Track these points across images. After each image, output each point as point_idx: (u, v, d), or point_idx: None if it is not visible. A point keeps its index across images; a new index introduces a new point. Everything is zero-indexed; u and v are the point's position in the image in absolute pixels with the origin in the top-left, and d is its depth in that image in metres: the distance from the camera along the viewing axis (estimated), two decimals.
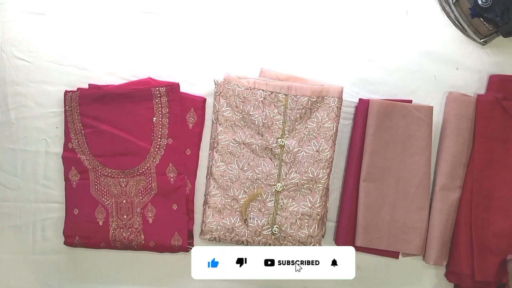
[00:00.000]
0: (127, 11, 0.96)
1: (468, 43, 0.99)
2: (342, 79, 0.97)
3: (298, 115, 0.93)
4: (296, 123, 0.93)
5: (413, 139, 0.93)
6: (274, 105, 0.93)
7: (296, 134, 0.93)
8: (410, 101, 0.95)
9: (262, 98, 0.93)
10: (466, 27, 0.98)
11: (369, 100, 0.94)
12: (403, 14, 0.99)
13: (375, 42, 0.98)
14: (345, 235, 0.93)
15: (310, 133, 0.93)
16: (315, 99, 0.92)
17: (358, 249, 0.93)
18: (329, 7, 0.98)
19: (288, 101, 0.93)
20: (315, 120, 0.93)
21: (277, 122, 0.93)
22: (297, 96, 0.93)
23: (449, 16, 0.99)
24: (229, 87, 0.93)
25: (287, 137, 0.93)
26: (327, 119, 0.92)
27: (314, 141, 0.92)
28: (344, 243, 0.93)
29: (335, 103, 0.92)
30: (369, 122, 0.93)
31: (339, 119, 0.93)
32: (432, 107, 0.94)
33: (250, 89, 0.93)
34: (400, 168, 0.93)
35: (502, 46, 0.99)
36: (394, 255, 0.95)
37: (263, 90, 0.93)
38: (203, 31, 0.97)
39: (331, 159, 0.92)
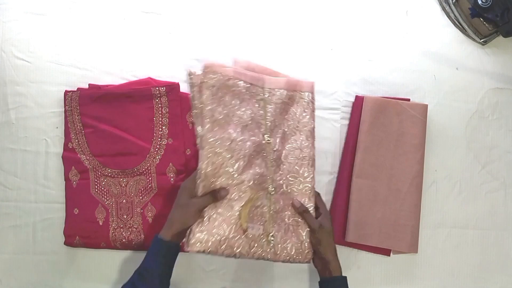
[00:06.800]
0: (127, 11, 0.96)
1: (468, 43, 0.99)
2: (342, 79, 0.97)
3: (277, 110, 0.87)
4: (276, 120, 0.87)
5: (407, 136, 0.93)
6: (255, 100, 0.87)
7: (279, 131, 0.87)
8: (408, 100, 0.95)
9: (244, 90, 0.85)
10: (466, 27, 0.98)
11: (363, 97, 0.94)
12: (403, 14, 0.99)
13: (375, 42, 0.98)
14: (336, 230, 0.92)
15: (290, 130, 0.88)
16: (291, 94, 0.88)
17: (349, 245, 0.93)
18: (329, 7, 0.98)
19: (265, 95, 0.87)
20: (292, 115, 0.88)
21: (261, 119, 0.86)
22: (274, 90, 0.88)
23: (449, 16, 0.99)
24: (214, 76, 0.83)
25: (270, 135, 0.87)
26: (304, 114, 0.88)
27: (294, 138, 0.88)
28: (335, 239, 0.91)
29: (310, 97, 0.88)
30: (362, 119, 0.93)
31: (314, 114, 0.88)
32: (426, 105, 0.94)
33: (232, 79, 0.84)
34: (392, 166, 0.93)
35: (502, 46, 0.99)
36: (386, 252, 0.94)
37: (243, 81, 0.85)
38: (203, 31, 0.97)
39: (313, 157, 0.87)
